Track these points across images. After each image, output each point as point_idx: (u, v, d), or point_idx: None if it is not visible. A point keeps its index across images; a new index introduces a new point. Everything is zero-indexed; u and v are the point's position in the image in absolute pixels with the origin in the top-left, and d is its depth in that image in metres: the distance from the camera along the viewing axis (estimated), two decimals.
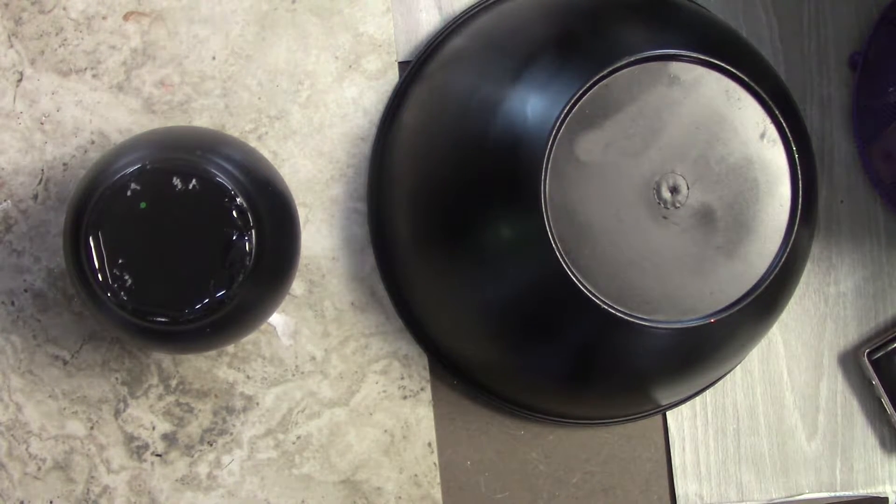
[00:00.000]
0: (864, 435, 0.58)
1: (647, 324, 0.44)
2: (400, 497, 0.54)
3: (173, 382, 0.53)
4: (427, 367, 0.55)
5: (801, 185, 0.46)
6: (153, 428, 0.53)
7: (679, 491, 0.56)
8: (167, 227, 0.42)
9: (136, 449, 0.53)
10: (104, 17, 0.53)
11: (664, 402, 0.55)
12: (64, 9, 0.53)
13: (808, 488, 0.57)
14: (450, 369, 0.54)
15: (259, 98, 0.54)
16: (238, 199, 0.42)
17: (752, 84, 0.46)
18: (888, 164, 0.56)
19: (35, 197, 0.52)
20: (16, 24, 0.52)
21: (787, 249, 0.46)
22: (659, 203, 0.45)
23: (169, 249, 0.42)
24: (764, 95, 0.46)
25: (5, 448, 0.52)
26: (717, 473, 0.57)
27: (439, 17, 0.55)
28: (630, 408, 0.55)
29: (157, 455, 0.53)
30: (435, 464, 0.55)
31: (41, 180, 0.52)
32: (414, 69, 0.54)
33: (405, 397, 0.55)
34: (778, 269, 0.46)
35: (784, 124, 0.46)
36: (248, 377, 0.53)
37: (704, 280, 0.45)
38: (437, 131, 0.50)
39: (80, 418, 0.53)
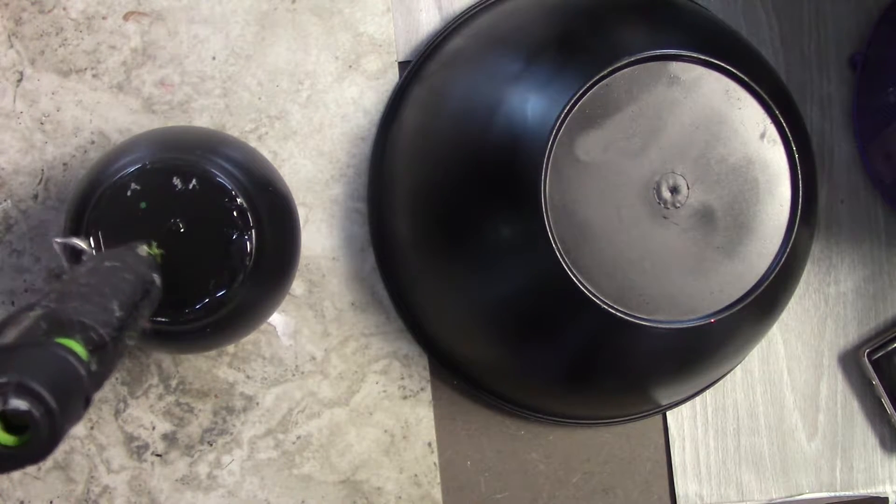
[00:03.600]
0: (864, 435, 0.58)
1: (647, 324, 0.44)
2: (400, 497, 0.54)
3: (173, 382, 0.53)
4: (427, 367, 0.55)
5: (801, 185, 0.46)
6: (153, 428, 0.53)
7: (679, 491, 0.56)
8: (167, 227, 0.42)
9: (136, 449, 0.53)
10: (104, 17, 0.53)
11: (664, 402, 0.55)
12: (64, 9, 0.53)
13: (808, 488, 0.57)
14: (450, 369, 0.54)
15: (259, 98, 0.54)
16: (238, 199, 0.42)
17: (752, 84, 0.46)
18: (888, 164, 0.56)
19: (35, 197, 0.52)
20: (16, 24, 0.52)
21: (787, 249, 0.46)
22: (659, 203, 0.45)
23: (169, 249, 0.42)
24: (764, 95, 0.46)
25: None
26: (717, 473, 0.56)
27: (439, 17, 0.55)
28: (630, 408, 0.55)
29: (157, 455, 0.53)
30: (435, 464, 0.55)
31: (41, 180, 0.52)
32: (414, 69, 0.54)
33: (405, 397, 0.55)
34: (778, 269, 0.46)
35: (784, 124, 0.46)
36: (248, 377, 0.53)
37: (704, 280, 0.45)
38: (437, 131, 0.50)
39: None
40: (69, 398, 0.24)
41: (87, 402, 0.26)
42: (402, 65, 0.55)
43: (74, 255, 0.41)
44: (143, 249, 0.40)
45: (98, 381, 0.27)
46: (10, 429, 0.24)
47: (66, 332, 0.27)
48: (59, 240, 0.40)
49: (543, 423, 0.56)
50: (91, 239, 0.41)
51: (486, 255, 0.47)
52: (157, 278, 0.38)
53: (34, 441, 0.24)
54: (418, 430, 0.55)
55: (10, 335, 0.26)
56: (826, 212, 0.58)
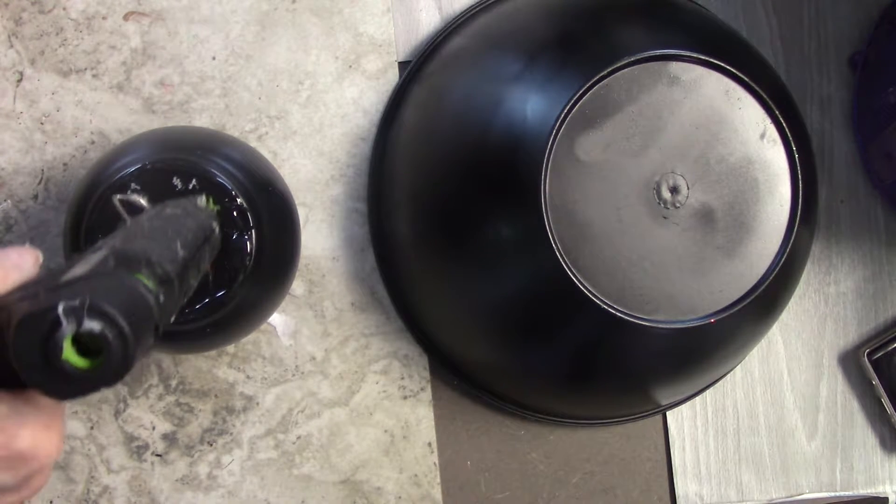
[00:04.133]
0: (864, 435, 0.58)
1: (647, 324, 0.44)
2: (400, 497, 0.54)
3: (173, 382, 0.53)
4: (427, 367, 0.55)
5: (801, 185, 0.46)
6: (153, 428, 0.53)
7: (679, 491, 0.56)
8: None
9: (136, 449, 0.53)
10: (104, 17, 0.53)
11: (664, 402, 0.55)
12: (64, 9, 0.53)
13: (808, 488, 0.57)
14: (450, 369, 0.54)
15: (259, 98, 0.54)
16: (238, 199, 0.42)
17: (752, 84, 0.46)
18: (888, 164, 0.56)
19: (35, 197, 0.52)
20: (16, 24, 0.52)
21: (787, 249, 0.46)
22: (659, 203, 0.45)
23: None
24: (764, 95, 0.46)
25: None
26: (717, 473, 0.56)
27: (439, 17, 0.55)
28: (630, 408, 0.55)
29: (157, 455, 0.53)
30: (435, 464, 0.55)
31: (41, 180, 0.52)
32: (414, 69, 0.54)
33: (405, 397, 0.55)
34: (778, 269, 0.46)
35: (784, 124, 0.46)
36: (248, 377, 0.53)
37: (704, 280, 0.45)
38: (437, 131, 0.50)
39: (80, 418, 0.53)
40: (140, 324, 0.25)
41: (156, 332, 0.26)
42: (402, 65, 0.55)
43: (134, 211, 0.42)
44: (202, 200, 0.41)
45: (165, 314, 0.28)
46: (83, 352, 0.24)
47: (133, 267, 0.27)
48: (119, 196, 0.41)
49: (543, 423, 0.56)
50: (91, 239, 0.41)
51: (487, 255, 0.47)
52: (216, 227, 0.39)
53: (107, 364, 0.24)
54: (418, 430, 0.55)
55: (80, 269, 0.26)
56: (826, 212, 0.58)
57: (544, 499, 0.56)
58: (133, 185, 0.41)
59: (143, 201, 0.41)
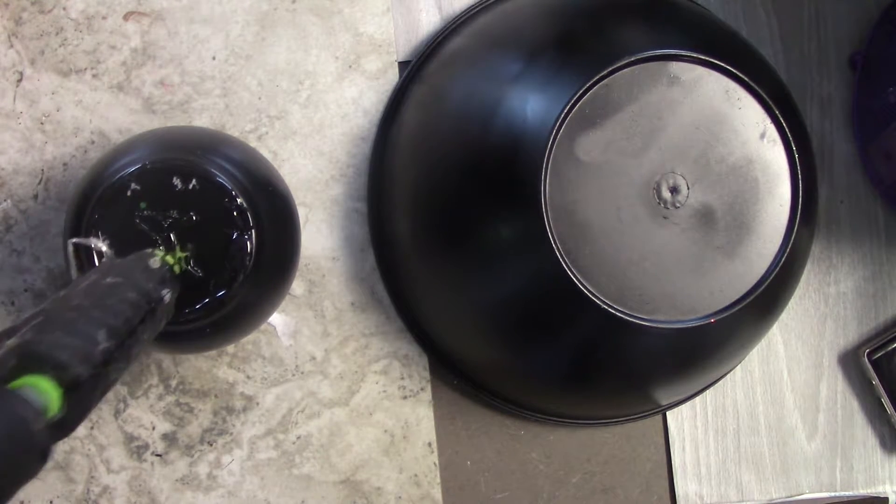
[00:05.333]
0: (864, 435, 0.58)
1: (647, 324, 0.44)
2: (400, 497, 0.54)
3: (173, 382, 0.53)
4: (427, 367, 0.55)
5: (801, 185, 0.46)
6: (153, 428, 0.53)
7: (679, 491, 0.56)
8: (167, 227, 0.42)
9: (136, 449, 0.53)
10: (104, 17, 0.53)
11: (664, 402, 0.55)
12: (64, 9, 0.53)
13: (808, 488, 0.57)
14: (450, 369, 0.54)
15: (259, 98, 0.54)
16: (238, 199, 0.42)
17: (752, 84, 0.46)
18: (888, 164, 0.56)
19: (35, 197, 0.52)
20: (16, 24, 0.52)
21: (787, 249, 0.46)
22: (659, 203, 0.45)
23: (168, 249, 0.42)
24: (764, 95, 0.46)
25: None
26: (717, 473, 0.57)
27: (439, 17, 0.55)
28: (630, 408, 0.55)
29: (157, 455, 0.53)
30: (435, 464, 0.55)
31: (41, 180, 0.52)
32: (414, 69, 0.54)
33: (405, 397, 0.55)
34: (778, 269, 0.46)
35: (784, 124, 0.46)
36: (248, 377, 0.53)
37: (704, 280, 0.45)
38: (437, 131, 0.50)
39: None
40: (14, 459, 0.22)
41: (43, 457, 0.24)
42: (402, 65, 0.55)
43: (89, 257, 0.40)
44: (156, 261, 0.38)
45: (67, 425, 0.25)
46: None
47: (37, 368, 0.25)
48: (75, 240, 0.39)
49: (543, 423, 0.56)
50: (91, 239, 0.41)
51: (486, 255, 0.47)
52: (166, 294, 0.36)
53: None
54: (418, 430, 0.55)
55: None
56: (826, 212, 0.58)
57: (544, 499, 0.56)
58: (133, 185, 0.41)
59: (102, 247, 0.38)
